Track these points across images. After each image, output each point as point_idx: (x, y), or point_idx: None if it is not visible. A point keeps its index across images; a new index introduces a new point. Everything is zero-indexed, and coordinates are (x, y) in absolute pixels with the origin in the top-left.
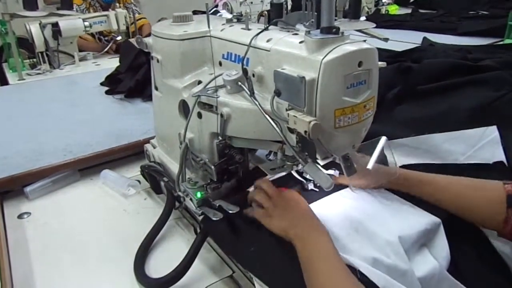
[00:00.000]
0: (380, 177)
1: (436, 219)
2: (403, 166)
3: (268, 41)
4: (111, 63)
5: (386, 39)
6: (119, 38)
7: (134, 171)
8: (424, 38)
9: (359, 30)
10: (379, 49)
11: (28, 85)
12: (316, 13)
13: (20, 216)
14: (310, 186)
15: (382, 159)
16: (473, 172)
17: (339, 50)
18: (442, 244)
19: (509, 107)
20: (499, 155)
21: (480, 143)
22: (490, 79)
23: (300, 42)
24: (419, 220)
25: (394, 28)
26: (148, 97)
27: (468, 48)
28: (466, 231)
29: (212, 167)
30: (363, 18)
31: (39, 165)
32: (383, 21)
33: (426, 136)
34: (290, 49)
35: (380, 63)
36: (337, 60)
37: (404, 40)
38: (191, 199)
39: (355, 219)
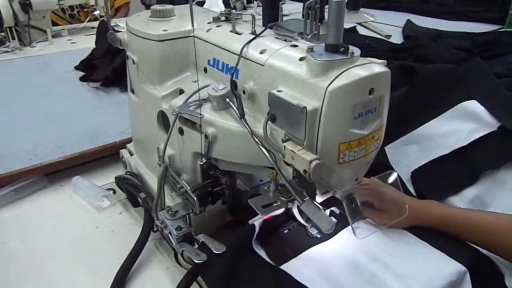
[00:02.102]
0: (390, 216)
1: (461, 268)
2: (416, 171)
3: (261, 52)
4: (88, 41)
5: (388, 36)
6: (96, 12)
7: (109, 177)
8: (408, 21)
9: (359, 24)
10: (375, 39)
11: None
12: (320, 24)
13: None
14: (314, 232)
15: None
16: (480, 149)
17: (348, 76)
18: None
19: None
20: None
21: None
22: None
23: (301, 59)
24: (442, 269)
25: (388, 10)
26: (126, 87)
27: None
28: (491, 279)
29: (195, 198)
30: None
31: (1, 171)
32: (377, 1)
33: (420, 128)
34: (289, 66)
35: (379, 61)
36: (345, 88)
37: (401, 25)
38: (170, 233)
39: (369, 270)
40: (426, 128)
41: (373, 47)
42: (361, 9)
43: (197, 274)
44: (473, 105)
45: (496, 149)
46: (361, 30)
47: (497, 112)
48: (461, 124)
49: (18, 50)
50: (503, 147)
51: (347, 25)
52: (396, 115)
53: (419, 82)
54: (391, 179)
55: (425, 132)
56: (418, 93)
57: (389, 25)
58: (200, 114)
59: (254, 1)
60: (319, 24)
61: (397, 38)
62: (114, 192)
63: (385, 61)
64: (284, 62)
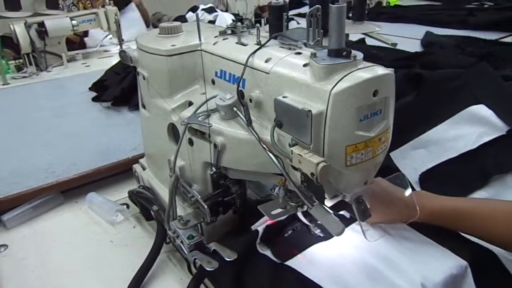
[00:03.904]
0: (399, 216)
1: (462, 262)
2: (423, 173)
3: (267, 61)
4: (102, 64)
5: (394, 44)
6: (109, 36)
7: (123, 192)
8: (427, 32)
9: (365, 34)
10: (384, 49)
11: (13, 91)
12: (322, 31)
13: None
14: (317, 231)
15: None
16: (490, 153)
17: (351, 78)
18: None
19: None
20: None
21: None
22: None
23: (305, 65)
24: (443, 263)
25: (398, 22)
26: (134, 106)
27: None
28: (494, 273)
29: (206, 206)
30: None
31: (18, 189)
32: (386, 13)
33: (428, 133)
34: (293, 73)
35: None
36: (349, 91)
37: (409, 36)
38: (182, 242)
39: (372, 265)
40: (434, 132)
41: (380, 57)
42: (367, 21)
43: (202, 277)
44: (481, 109)
45: (505, 153)
46: (369, 42)
47: (506, 116)
48: (470, 128)
49: (35, 75)
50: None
51: (354, 36)
52: (404, 120)
53: (426, 88)
54: (397, 180)
55: (433, 137)
56: (425, 99)
57: (395, 36)
58: (209, 124)
59: (262, 19)
60: (322, 31)
61: (403, 47)
62: (128, 206)
63: (392, 69)
64: (289, 69)
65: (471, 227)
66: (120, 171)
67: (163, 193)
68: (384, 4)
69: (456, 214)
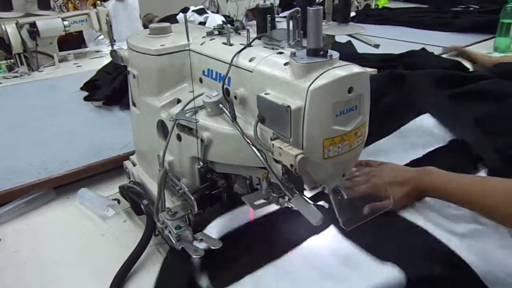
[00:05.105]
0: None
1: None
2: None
3: (251, 60)
4: (93, 64)
5: (377, 46)
6: (101, 37)
7: (114, 188)
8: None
9: (350, 35)
10: (370, 54)
11: (4, 91)
12: (302, 32)
13: None
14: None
15: None
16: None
17: (327, 76)
18: None
19: None
20: None
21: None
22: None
23: (285, 64)
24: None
25: (385, 24)
26: (126, 105)
27: None
28: None
29: (192, 198)
30: (352, 13)
31: (11, 185)
32: (374, 15)
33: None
34: (275, 71)
35: (370, 70)
36: (325, 87)
37: (397, 38)
38: (170, 232)
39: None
40: (385, 142)
41: (366, 58)
42: (352, 23)
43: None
44: (426, 119)
45: (448, 163)
46: (355, 44)
47: (451, 126)
48: (417, 140)
49: (26, 75)
50: (454, 160)
51: (340, 38)
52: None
53: (407, 86)
54: None
55: (384, 148)
56: (407, 97)
57: (382, 37)
58: (196, 120)
59: (252, 20)
60: (302, 32)
61: (387, 49)
62: (119, 202)
63: (375, 70)
64: (271, 68)
65: (469, 206)
66: (111, 168)
67: (153, 188)
68: (373, 7)
69: (458, 194)
